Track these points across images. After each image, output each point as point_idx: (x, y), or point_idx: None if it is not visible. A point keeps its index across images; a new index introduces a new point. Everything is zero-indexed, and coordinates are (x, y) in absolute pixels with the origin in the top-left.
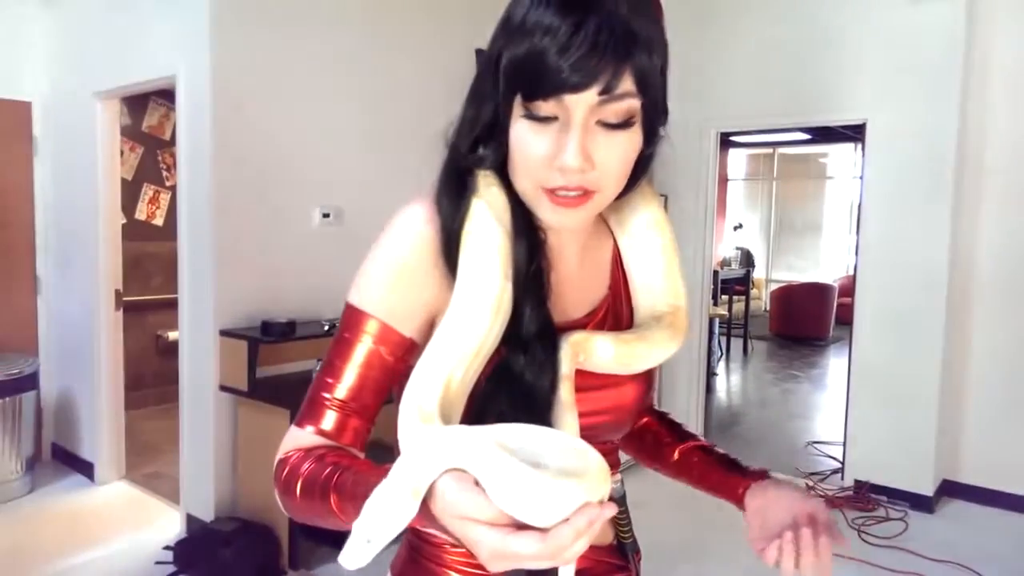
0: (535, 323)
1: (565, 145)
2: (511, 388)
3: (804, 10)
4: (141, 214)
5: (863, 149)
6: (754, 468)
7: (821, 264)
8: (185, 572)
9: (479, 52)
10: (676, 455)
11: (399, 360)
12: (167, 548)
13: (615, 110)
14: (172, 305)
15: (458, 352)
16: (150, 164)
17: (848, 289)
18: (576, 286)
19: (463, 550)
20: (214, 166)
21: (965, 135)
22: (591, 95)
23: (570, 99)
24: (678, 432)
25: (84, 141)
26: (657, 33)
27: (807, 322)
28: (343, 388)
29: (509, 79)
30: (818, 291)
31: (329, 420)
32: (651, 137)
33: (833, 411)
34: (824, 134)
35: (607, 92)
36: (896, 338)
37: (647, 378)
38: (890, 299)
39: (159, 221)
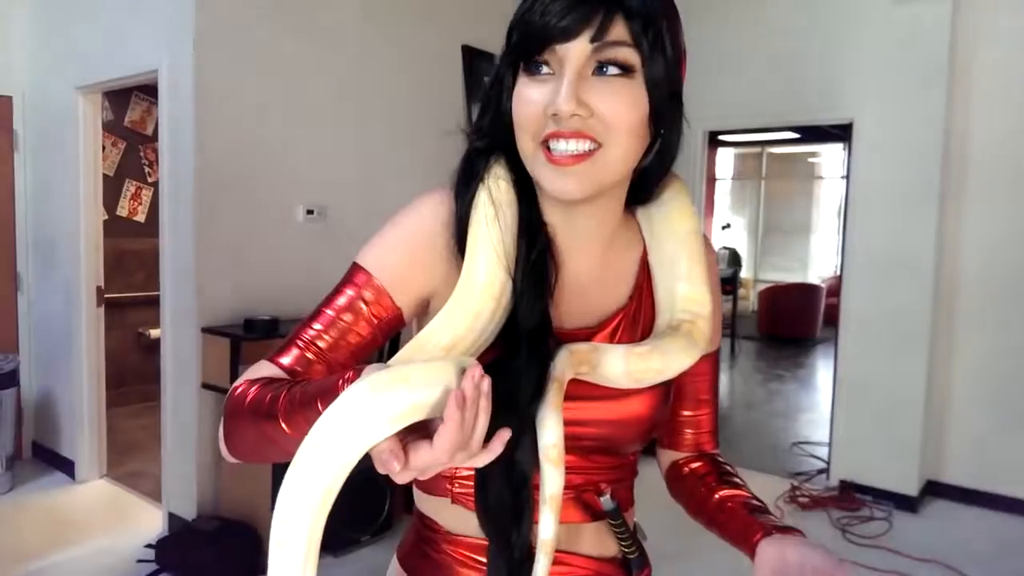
0: (531, 320)
1: (558, 92)
2: (497, 383)
3: (791, 9)
4: (123, 210)
5: (849, 148)
6: (784, 524)
7: (810, 264)
8: (167, 571)
9: (466, 48)
10: (715, 499)
11: (378, 327)
12: (149, 547)
13: (609, 57)
14: (154, 302)
15: (453, 336)
16: (132, 160)
17: (836, 289)
18: (593, 292)
19: (469, 540)
20: (197, 162)
21: (951, 135)
22: (583, 43)
23: (562, 49)
24: (724, 479)
25: (66, 136)
26: None
27: (795, 322)
28: (316, 327)
29: (509, 48)
30: (806, 291)
31: (293, 356)
32: (664, 105)
33: (819, 411)
34: (813, 133)
35: (598, 39)
36: (882, 339)
37: (662, 390)
38: (876, 300)
39: (141, 217)
